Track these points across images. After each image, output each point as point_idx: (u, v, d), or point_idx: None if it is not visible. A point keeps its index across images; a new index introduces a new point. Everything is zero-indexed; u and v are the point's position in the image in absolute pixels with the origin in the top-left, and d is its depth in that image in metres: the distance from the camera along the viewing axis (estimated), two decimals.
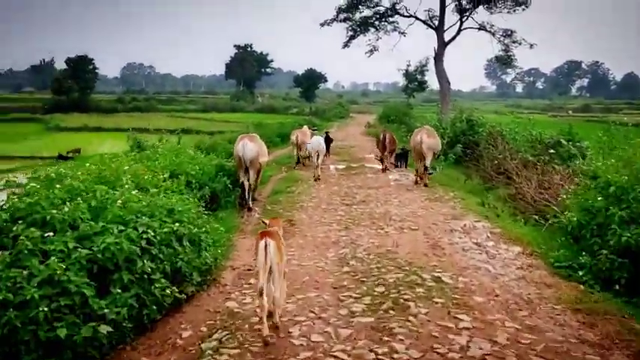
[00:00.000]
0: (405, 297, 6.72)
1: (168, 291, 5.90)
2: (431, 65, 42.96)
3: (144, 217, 6.30)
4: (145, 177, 9.17)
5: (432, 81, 46.27)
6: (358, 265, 8.17)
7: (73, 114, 58.69)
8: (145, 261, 5.80)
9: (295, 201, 13.31)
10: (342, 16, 35.13)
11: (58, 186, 6.02)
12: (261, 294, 5.45)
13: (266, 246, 5.51)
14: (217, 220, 10.82)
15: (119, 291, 5.47)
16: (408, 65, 44.97)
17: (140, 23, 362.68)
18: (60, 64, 79.58)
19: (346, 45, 35.84)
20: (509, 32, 33.84)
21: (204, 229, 7.62)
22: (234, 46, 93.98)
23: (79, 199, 5.97)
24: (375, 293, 6.91)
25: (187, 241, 6.74)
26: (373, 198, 13.70)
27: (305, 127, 24.44)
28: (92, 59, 72.92)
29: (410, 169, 19.30)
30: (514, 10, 32.72)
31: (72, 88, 68.50)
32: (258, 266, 5.57)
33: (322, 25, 35.60)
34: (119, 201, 6.16)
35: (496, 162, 17.59)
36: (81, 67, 71.20)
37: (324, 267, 8.11)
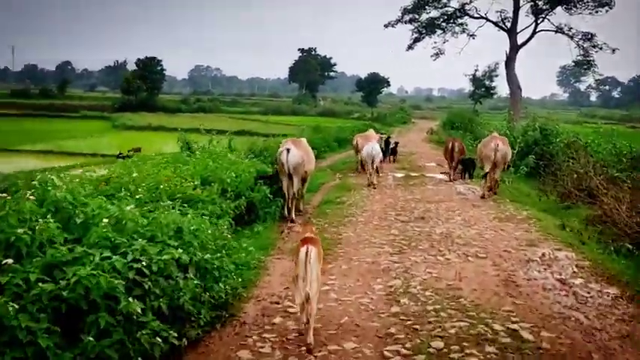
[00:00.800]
0: None
1: (159, 338, 4.50)
2: (500, 70, 40.46)
3: (140, 240, 4.97)
4: (166, 185, 7.95)
5: (501, 87, 43.60)
6: (411, 304, 6.53)
7: (140, 113, 59.91)
8: (132, 299, 4.43)
9: (344, 214, 11.77)
10: (407, 17, 33.32)
11: (32, 198, 4.77)
12: (307, 299, 5.06)
13: (307, 253, 5.14)
14: (252, 235, 9.49)
15: (90, 339, 4.13)
16: (476, 70, 42.44)
17: (209, 26, 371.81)
18: (132, 66, 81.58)
19: (410, 47, 34.00)
20: (589, 35, 30.96)
21: (223, 251, 6.21)
22: (299, 49, 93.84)
23: (49, 216, 4.68)
24: (431, 350, 5.27)
25: (195, 271, 5.35)
26: (433, 214, 11.96)
27: (370, 130, 23.02)
28: (160, 60, 74.13)
29: (475, 180, 17.40)
30: (596, 12, 29.85)
31: (140, 88, 69.79)
32: (299, 275, 5.17)
33: (386, 26, 33.93)
34: (105, 219, 4.83)
35: (576, 177, 15.34)
36: (149, 67, 72.54)
37: (369, 305, 6.51)
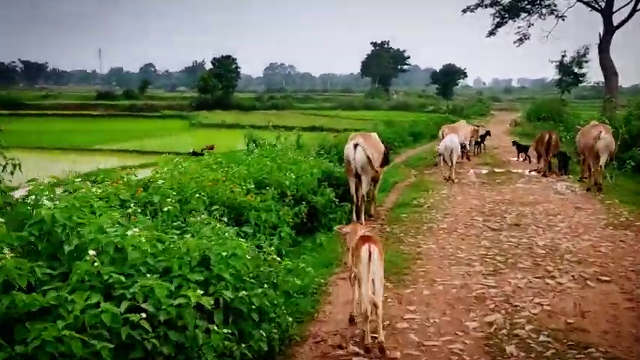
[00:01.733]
0: None
1: None
2: (591, 55, 36.78)
3: (147, 276, 3.56)
4: (209, 189, 6.61)
5: (590, 74, 39.53)
6: (521, 355, 4.76)
7: (215, 111, 60.52)
8: None
9: (423, 219, 10.00)
10: (487, 0, 30.57)
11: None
12: (375, 306, 4.69)
13: (370, 253, 4.73)
14: (314, 247, 8.00)
15: None
16: (563, 56, 38.53)
17: (282, 24, 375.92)
18: (209, 66, 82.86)
19: (492, 33, 31.26)
20: None
21: (269, 281, 4.71)
22: (371, 43, 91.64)
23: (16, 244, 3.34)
24: None
25: (224, 316, 3.88)
26: (530, 219, 9.96)
27: (462, 121, 21.13)
28: (235, 59, 74.55)
29: (572, 176, 15.06)
30: None
31: (216, 86, 70.52)
32: (362, 278, 4.76)
33: (464, 11, 31.38)
34: (92, 251, 3.44)
35: None
36: (224, 66, 73.11)
37: (463, 355, 4.80)
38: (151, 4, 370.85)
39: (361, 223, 9.36)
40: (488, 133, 22.99)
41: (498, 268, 7.16)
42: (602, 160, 12.54)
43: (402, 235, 8.97)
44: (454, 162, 14.49)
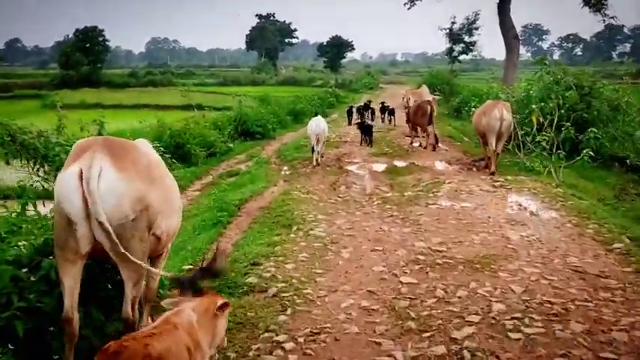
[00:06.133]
0: None
1: None
2: (482, 21, 33.74)
3: None
4: None
5: (481, 44, 36.55)
6: None
7: (82, 89, 52.56)
8: None
9: (271, 325, 4.84)
10: None
11: None
12: None
13: None
14: None
15: None
16: (453, 22, 35.13)
17: None
18: None
19: None
20: None
21: None
22: (256, 15, 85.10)
23: None
24: None
25: None
26: (489, 269, 5.21)
27: (423, 86, 18.53)
28: (102, 30, 64.87)
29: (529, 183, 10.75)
30: None
31: (80, 61, 61.04)
32: None
33: None
34: None
35: None
36: (90, 39, 63.49)
37: None
38: None
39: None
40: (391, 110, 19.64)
41: None
42: (501, 142, 10.95)
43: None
44: (320, 148, 11.98)
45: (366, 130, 14.57)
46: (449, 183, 9.33)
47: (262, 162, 12.60)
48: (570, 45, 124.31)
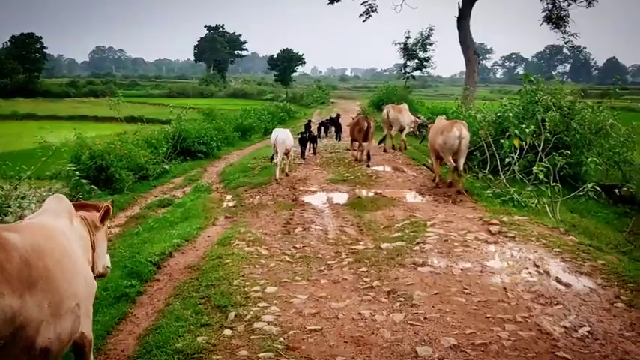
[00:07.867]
0: None
1: None
2: (437, 36, 32.97)
3: None
4: None
5: (434, 60, 35.71)
6: None
7: (16, 99, 49.17)
8: None
9: None
10: None
11: None
12: None
13: None
14: None
15: None
16: (407, 37, 34.20)
17: (111, 3, 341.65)
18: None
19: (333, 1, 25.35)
20: None
21: None
22: (205, 26, 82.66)
23: None
24: None
25: None
26: None
27: (404, 104, 17.32)
28: (40, 37, 60.89)
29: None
30: None
31: (16, 70, 57.01)
32: None
33: None
34: None
35: None
36: (26, 46, 59.39)
37: None
38: None
39: None
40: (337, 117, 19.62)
41: None
42: (462, 161, 10.28)
43: None
44: (286, 161, 11.71)
45: (312, 140, 14.95)
46: (432, 226, 7.20)
47: (202, 190, 10.61)
48: (513, 64, 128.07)
